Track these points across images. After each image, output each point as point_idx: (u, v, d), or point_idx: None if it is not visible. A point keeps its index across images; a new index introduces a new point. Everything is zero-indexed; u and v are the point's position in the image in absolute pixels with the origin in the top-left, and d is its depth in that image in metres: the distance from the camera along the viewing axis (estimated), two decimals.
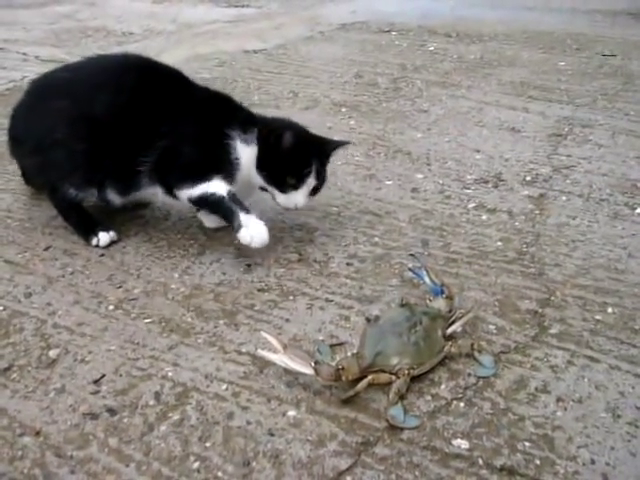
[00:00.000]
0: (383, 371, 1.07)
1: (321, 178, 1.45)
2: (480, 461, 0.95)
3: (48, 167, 1.49)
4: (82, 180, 1.46)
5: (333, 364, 1.06)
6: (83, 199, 1.50)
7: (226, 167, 1.42)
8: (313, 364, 1.04)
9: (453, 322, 1.17)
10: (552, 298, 1.28)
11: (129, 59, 1.56)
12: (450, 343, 1.12)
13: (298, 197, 1.42)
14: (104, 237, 1.48)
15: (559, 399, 1.05)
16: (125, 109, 1.44)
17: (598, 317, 1.23)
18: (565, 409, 1.03)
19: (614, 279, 1.34)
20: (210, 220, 1.53)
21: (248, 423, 1.02)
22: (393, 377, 1.06)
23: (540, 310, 1.25)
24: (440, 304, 1.20)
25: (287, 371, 1.11)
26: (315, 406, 1.04)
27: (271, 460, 0.96)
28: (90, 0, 4.10)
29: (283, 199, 1.42)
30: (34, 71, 2.67)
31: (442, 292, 1.22)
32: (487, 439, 0.98)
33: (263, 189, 1.46)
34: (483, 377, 1.09)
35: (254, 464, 0.95)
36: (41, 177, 1.57)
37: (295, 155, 1.40)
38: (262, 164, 1.42)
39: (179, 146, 1.43)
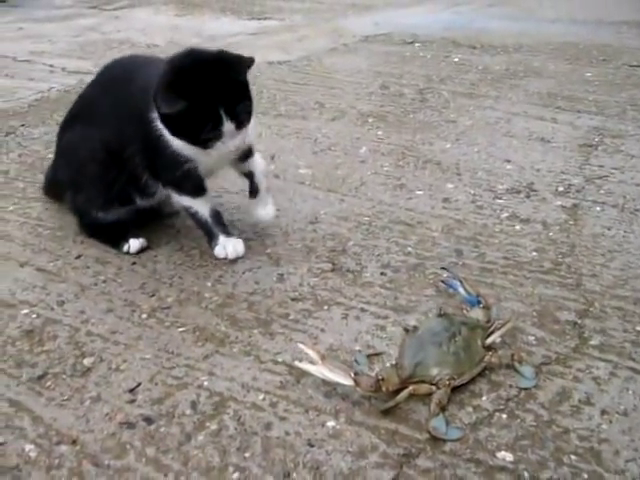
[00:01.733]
0: (423, 381, 1.05)
1: (239, 113, 1.28)
2: (526, 474, 0.92)
3: (79, 198, 1.53)
4: (106, 201, 1.48)
5: (372, 374, 1.04)
6: (110, 218, 1.50)
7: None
8: (353, 375, 1.02)
9: (492, 332, 1.15)
10: (591, 309, 1.26)
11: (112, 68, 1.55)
12: (490, 353, 1.10)
13: (228, 145, 1.30)
14: (134, 243, 1.48)
15: (604, 411, 1.03)
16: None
17: (639, 328, 1.21)
18: (610, 422, 1.01)
19: None
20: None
21: (287, 434, 1.00)
22: (433, 388, 1.04)
23: (579, 321, 1.23)
24: (478, 314, 1.18)
25: (325, 381, 1.09)
26: (354, 417, 1.03)
27: (311, 471, 0.94)
28: (114, 13, 4.14)
29: (216, 151, 1.31)
30: (60, 82, 2.71)
31: (479, 302, 1.20)
32: (532, 452, 0.96)
33: None
34: (524, 388, 1.07)
35: (294, 475, 0.93)
36: (72, 205, 1.58)
37: (192, 115, 1.26)
38: (172, 132, 1.32)
39: (146, 152, 1.41)
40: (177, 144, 1.34)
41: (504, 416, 1.02)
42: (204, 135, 1.28)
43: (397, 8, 4.01)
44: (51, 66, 2.97)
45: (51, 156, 1.99)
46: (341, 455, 0.96)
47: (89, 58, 3.09)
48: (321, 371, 1.04)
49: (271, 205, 1.51)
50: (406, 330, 1.13)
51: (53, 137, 2.11)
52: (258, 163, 1.49)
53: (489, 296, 1.27)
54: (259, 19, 3.84)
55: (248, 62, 1.31)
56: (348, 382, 1.02)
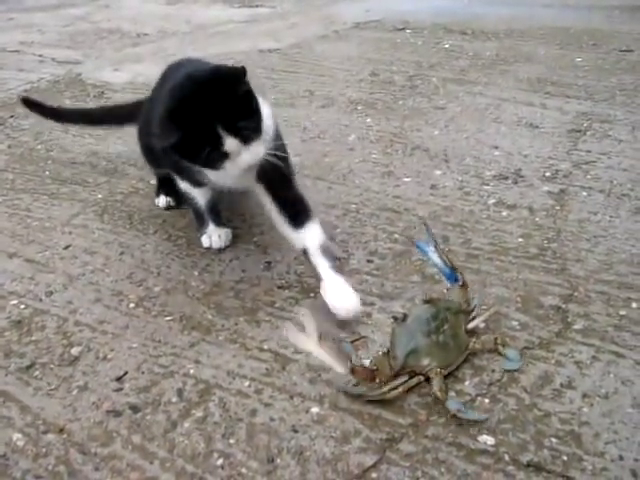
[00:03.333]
0: (414, 371, 1.05)
1: (241, 128, 1.18)
2: (506, 457, 0.94)
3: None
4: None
5: (367, 364, 1.04)
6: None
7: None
8: (350, 364, 1.00)
9: (474, 317, 1.16)
10: (575, 294, 1.27)
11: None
12: (474, 340, 1.12)
13: (238, 163, 1.21)
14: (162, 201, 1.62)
15: (585, 395, 1.04)
16: None
17: (622, 312, 1.22)
18: (591, 405, 1.02)
19: (637, 274, 1.32)
20: None
21: (271, 420, 1.01)
22: (422, 378, 1.05)
23: (563, 306, 1.24)
24: (458, 295, 1.17)
25: (310, 367, 1.10)
26: (339, 402, 1.04)
27: (295, 457, 0.95)
28: (104, 2, 4.12)
29: (230, 171, 1.22)
30: (50, 72, 2.70)
31: (456, 279, 1.17)
32: (513, 435, 0.97)
33: None
34: (510, 370, 1.08)
35: (278, 461, 0.95)
36: None
37: (189, 137, 1.18)
38: (180, 173, 1.35)
39: None
40: None
41: (486, 400, 1.04)
42: (207, 158, 1.19)
43: None
44: (41, 56, 2.97)
45: (40, 147, 2.00)
46: (325, 440, 0.97)
47: (79, 48, 3.08)
48: (319, 351, 1.00)
49: (348, 292, 1.25)
50: (395, 318, 1.12)
51: (42, 128, 2.13)
52: (313, 236, 1.32)
53: (474, 282, 1.28)
54: (250, 7, 3.82)
55: (242, 73, 1.21)
56: (343, 370, 1.00)
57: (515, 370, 1.09)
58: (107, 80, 2.53)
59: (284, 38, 3.11)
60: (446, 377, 1.07)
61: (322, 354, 1.00)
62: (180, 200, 1.56)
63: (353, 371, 1.01)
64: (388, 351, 1.07)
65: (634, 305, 1.23)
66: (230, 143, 1.17)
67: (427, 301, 1.15)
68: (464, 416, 0.99)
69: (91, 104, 2.32)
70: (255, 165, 1.24)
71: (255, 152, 1.21)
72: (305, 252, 1.31)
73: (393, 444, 0.96)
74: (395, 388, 1.04)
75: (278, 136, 1.33)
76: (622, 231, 1.47)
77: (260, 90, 1.28)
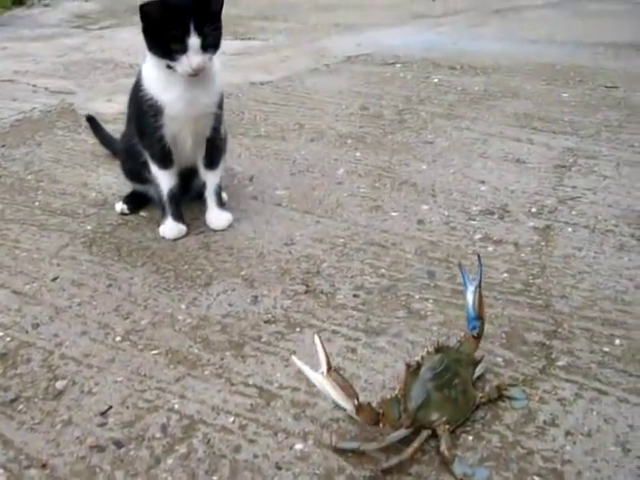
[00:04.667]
0: (422, 426, 1.02)
1: (206, 33, 1.46)
2: None
3: None
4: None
5: (374, 405, 1.00)
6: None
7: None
8: (356, 402, 0.97)
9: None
10: (559, 330, 1.28)
11: None
12: (480, 394, 1.10)
13: (191, 59, 1.46)
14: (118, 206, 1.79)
15: (568, 433, 1.04)
16: None
17: (606, 349, 1.23)
18: (574, 443, 1.03)
19: (621, 311, 1.33)
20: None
21: (255, 456, 1.01)
22: (429, 432, 1.02)
23: (547, 342, 1.25)
24: (469, 346, 1.14)
25: (294, 403, 1.11)
26: (322, 439, 1.04)
27: None
28: (99, 33, 4.16)
29: (180, 67, 1.48)
30: (43, 102, 2.72)
31: (474, 328, 1.15)
32: (496, 473, 0.97)
33: (170, 67, 1.51)
34: (522, 408, 1.09)
35: None
36: None
37: (163, 21, 1.45)
38: (149, 45, 1.52)
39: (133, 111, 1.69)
40: (149, 87, 1.56)
41: (470, 437, 1.04)
42: (170, 43, 1.45)
43: (380, 28, 4.05)
44: (34, 86, 2.98)
45: (30, 177, 2.01)
46: (308, 477, 0.97)
47: (72, 78, 3.11)
48: (323, 385, 0.98)
49: (223, 215, 1.70)
50: (408, 366, 1.05)
51: (33, 158, 2.15)
52: (213, 178, 1.69)
53: (459, 318, 1.29)
54: (243, 39, 3.87)
55: None
56: (349, 407, 0.98)
57: (525, 406, 1.09)
58: (99, 110, 2.54)
59: (276, 71, 3.15)
60: (452, 434, 1.04)
61: (328, 387, 0.98)
62: (135, 208, 1.79)
63: (359, 409, 0.98)
64: (397, 397, 1.02)
65: (617, 342, 1.25)
66: (193, 40, 1.45)
67: (438, 349, 1.10)
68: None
69: (83, 135, 2.33)
70: (200, 70, 1.49)
71: (205, 60, 1.48)
72: (203, 185, 1.70)
73: None
74: (396, 446, 1.01)
75: (221, 95, 1.66)
76: (606, 267, 1.49)
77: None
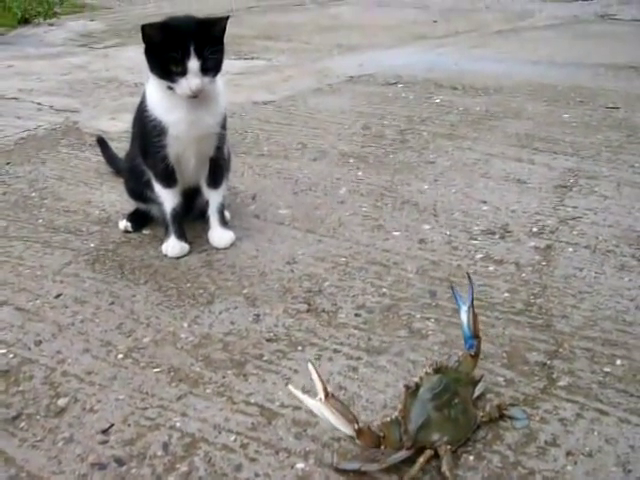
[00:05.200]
0: (424, 447, 1.02)
1: (206, 57, 1.48)
2: None
3: None
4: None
5: (373, 428, 1.00)
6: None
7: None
8: (356, 426, 0.97)
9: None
10: (560, 350, 1.29)
11: None
12: (481, 414, 1.10)
13: (190, 82, 1.48)
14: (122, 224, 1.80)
15: (569, 453, 1.05)
16: None
17: (607, 369, 1.23)
18: (575, 463, 1.03)
19: (622, 331, 1.34)
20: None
21: (256, 475, 1.01)
22: (432, 452, 1.02)
23: (548, 362, 1.25)
24: (468, 365, 1.15)
25: (295, 422, 1.11)
26: (324, 459, 1.04)
27: None
28: (103, 52, 4.20)
29: (179, 89, 1.50)
30: (48, 120, 2.74)
31: (471, 346, 1.16)
32: None
33: (171, 88, 1.53)
34: (523, 428, 1.09)
35: None
36: None
37: (164, 43, 1.47)
38: (150, 66, 1.54)
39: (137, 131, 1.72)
40: (153, 108, 1.58)
41: (471, 457, 1.04)
42: (170, 65, 1.47)
43: (382, 49, 4.09)
44: (39, 104, 3.01)
45: (34, 195, 2.02)
46: None
47: (77, 96, 3.13)
48: (322, 411, 0.98)
49: (225, 234, 1.71)
50: (407, 388, 1.06)
51: (37, 175, 2.17)
52: (216, 197, 1.70)
53: (460, 337, 1.29)
54: (246, 59, 3.90)
55: (224, 20, 1.52)
56: (349, 432, 0.98)
57: (526, 426, 1.09)
58: (104, 129, 2.57)
59: (279, 90, 3.17)
60: (453, 454, 1.03)
61: (327, 413, 0.98)
62: (138, 226, 1.79)
63: (359, 434, 0.98)
64: (397, 419, 1.03)
65: (618, 362, 1.25)
66: (193, 63, 1.47)
67: (437, 370, 1.10)
68: None
69: (87, 153, 2.35)
70: (198, 92, 1.51)
71: (204, 83, 1.50)
72: (206, 203, 1.72)
73: None
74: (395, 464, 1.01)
75: (224, 115, 1.67)
76: (607, 287, 1.49)
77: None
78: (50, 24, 5.12)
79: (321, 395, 0.98)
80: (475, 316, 1.18)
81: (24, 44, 4.51)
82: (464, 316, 1.18)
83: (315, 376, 0.99)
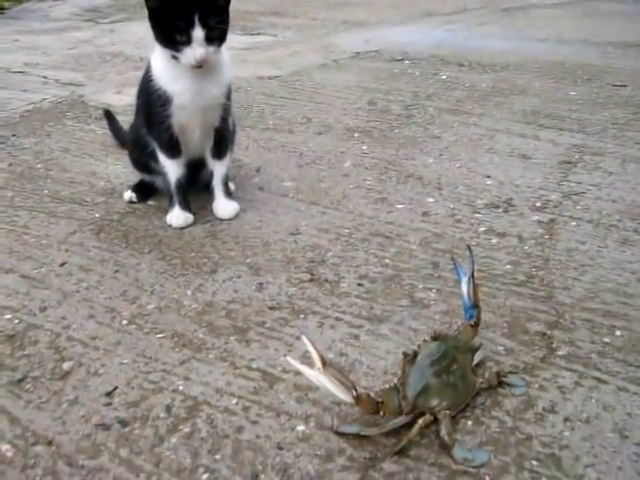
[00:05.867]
0: (423, 412, 1.03)
1: (211, 25, 1.47)
2: (487, 478, 0.95)
3: None
4: None
5: (372, 395, 1.01)
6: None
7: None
8: (354, 393, 0.98)
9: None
10: (561, 321, 1.29)
11: None
12: (480, 380, 1.11)
13: (195, 51, 1.48)
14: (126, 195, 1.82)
15: (567, 419, 1.06)
16: None
17: (606, 340, 1.24)
18: (572, 429, 1.04)
19: (623, 303, 1.34)
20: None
21: (257, 437, 1.03)
22: (431, 417, 1.03)
23: (549, 332, 1.26)
24: (467, 335, 1.16)
25: (297, 387, 1.12)
26: (324, 421, 1.05)
27: (279, 473, 0.97)
28: (109, 27, 4.19)
29: (184, 58, 1.50)
30: (53, 94, 2.75)
31: (471, 316, 1.17)
32: (495, 457, 0.99)
33: (175, 57, 1.53)
34: (521, 395, 1.10)
35: (262, 477, 0.96)
36: None
37: (168, 12, 1.46)
38: (155, 35, 1.53)
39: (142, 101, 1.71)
40: (158, 78, 1.58)
41: (470, 422, 1.05)
42: (174, 33, 1.47)
43: (389, 26, 4.07)
44: (45, 77, 3.01)
45: (40, 166, 2.03)
46: (309, 458, 0.99)
47: (82, 70, 3.13)
48: (321, 380, 0.98)
49: (230, 205, 1.72)
50: (405, 355, 1.08)
51: (43, 147, 2.17)
52: (221, 168, 1.71)
53: (462, 308, 1.30)
54: (252, 34, 3.89)
55: None
56: (348, 399, 0.99)
57: (524, 393, 1.10)
58: (109, 102, 2.57)
59: (284, 66, 3.17)
60: (453, 420, 1.04)
61: (326, 382, 0.98)
62: (143, 197, 1.81)
63: (358, 400, 0.99)
64: (396, 386, 1.04)
65: (618, 333, 1.26)
66: (198, 32, 1.46)
67: (435, 337, 1.12)
68: (470, 465, 0.97)
69: (92, 126, 2.36)
70: (203, 62, 1.50)
71: (209, 52, 1.49)
72: (211, 174, 1.72)
73: (376, 463, 0.98)
74: (394, 429, 1.02)
75: (229, 86, 1.66)
76: (609, 261, 1.49)
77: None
78: None
79: (319, 365, 0.98)
80: (475, 286, 1.19)
81: (29, 19, 4.50)
82: (464, 286, 1.19)
83: (310, 347, 0.99)
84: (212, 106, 1.63)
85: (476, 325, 1.18)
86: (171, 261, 1.52)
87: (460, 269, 1.22)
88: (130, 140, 1.86)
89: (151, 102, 1.62)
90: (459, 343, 1.14)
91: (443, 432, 1.01)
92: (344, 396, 0.99)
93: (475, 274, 1.19)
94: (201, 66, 1.51)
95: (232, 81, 1.67)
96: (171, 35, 1.48)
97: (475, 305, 1.18)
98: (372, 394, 1.02)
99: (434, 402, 1.04)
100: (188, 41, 1.47)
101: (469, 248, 1.24)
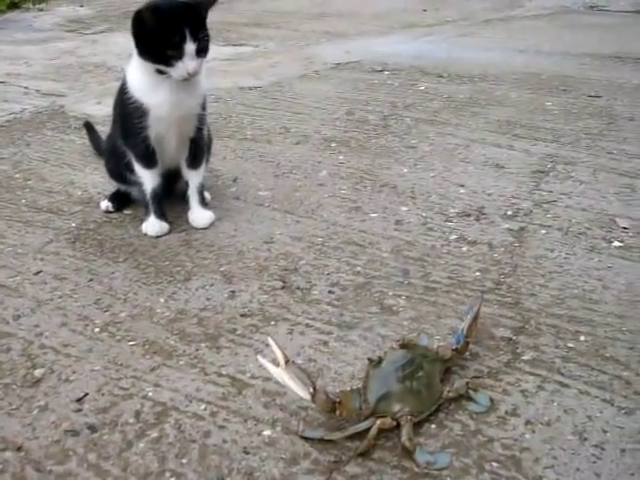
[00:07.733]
0: (384, 417, 1.05)
1: (200, 39, 1.50)
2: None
3: None
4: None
5: (330, 394, 1.04)
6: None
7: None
8: (311, 390, 1.02)
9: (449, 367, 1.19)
10: (526, 326, 1.32)
11: None
12: (447, 388, 1.12)
13: (187, 65, 1.50)
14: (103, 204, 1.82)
15: (528, 422, 1.08)
16: None
17: (570, 345, 1.27)
18: (533, 432, 1.06)
19: (588, 309, 1.37)
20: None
21: (224, 441, 1.05)
22: (392, 422, 1.05)
23: (514, 337, 1.29)
24: (445, 353, 1.18)
25: (265, 392, 1.14)
26: (291, 426, 1.07)
27: (245, 477, 0.98)
28: (92, 37, 4.20)
29: (175, 73, 1.52)
30: (34, 104, 2.76)
31: (458, 342, 1.19)
32: (456, 459, 1.01)
33: (160, 72, 1.55)
34: (476, 413, 1.10)
35: None
36: None
37: (161, 27, 1.48)
38: (142, 51, 1.54)
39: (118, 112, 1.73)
40: (135, 90, 1.59)
41: (433, 426, 1.08)
42: (167, 49, 1.49)
43: (369, 37, 4.10)
44: (26, 88, 3.02)
45: (18, 176, 2.04)
46: (274, 462, 1.01)
47: (63, 80, 3.14)
48: (281, 376, 1.03)
49: (205, 214, 1.74)
50: (370, 361, 1.11)
51: (22, 157, 2.18)
52: (196, 178, 1.73)
53: (430, 314, 1.33)
54: (234, 45, 3.91)
55: (212, 2, 1.55)
56: (305, 395, 1.02)
57: (482, 413, 1.10)
58: (89, 113, 2.58)
59: (265, 77, 3.19)
60: (417, 424, 1.06)
61: (286, 378, 1.03)
62: (119, 206, 1.82)
63: (314, 397, 1.02)
64: (358, 390, 1.07)
65: (582, 338, 1.28)
66: (189, 46, 1.49)
67: (403, 346, 1.14)
68: (432, 467, 0.99)
69: (71, 136, 2.37)
70: (195, 74, 1.53)
71: (199, 65, 1.53)
72: (186, 184, 1.74)
73: (340, 466, 1.00)
74: (359, 434, 1.03)
75: (205, 96, 1.69)
76: (576, 268, 1.52)
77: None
78: (39, 9, 5.11)
79: (282, 362, 1.03)
80: (475, 324, 1.23)
81: (13, 29, 4.50)
82: (465, 321, 1.23)
83: (274, 346, 1.06)
84: (188, 117, 1.65)
85: (458, 351, 1.19)
86: (145, 269, 1.53)
87: (470, 308, 1.26)
88: (106, 150, 1.88)
89: (127, 114, 1.63)
90: (429, 352, 1.17)
91: (404, 437, 1.03)
92: (301, 392, 1.03)
93: (477, 317, 1.24)
94: (190, 79, 1.53)
95: (206, 91, 1.69)
96: (162, 50, 1.50)
97: (466, 336, 1.20)
98: (331, 394, 1.04)
99: (395, 407, 1.06)
100: (180, 55, 1.49)
101: (482, 296, 1.31)
